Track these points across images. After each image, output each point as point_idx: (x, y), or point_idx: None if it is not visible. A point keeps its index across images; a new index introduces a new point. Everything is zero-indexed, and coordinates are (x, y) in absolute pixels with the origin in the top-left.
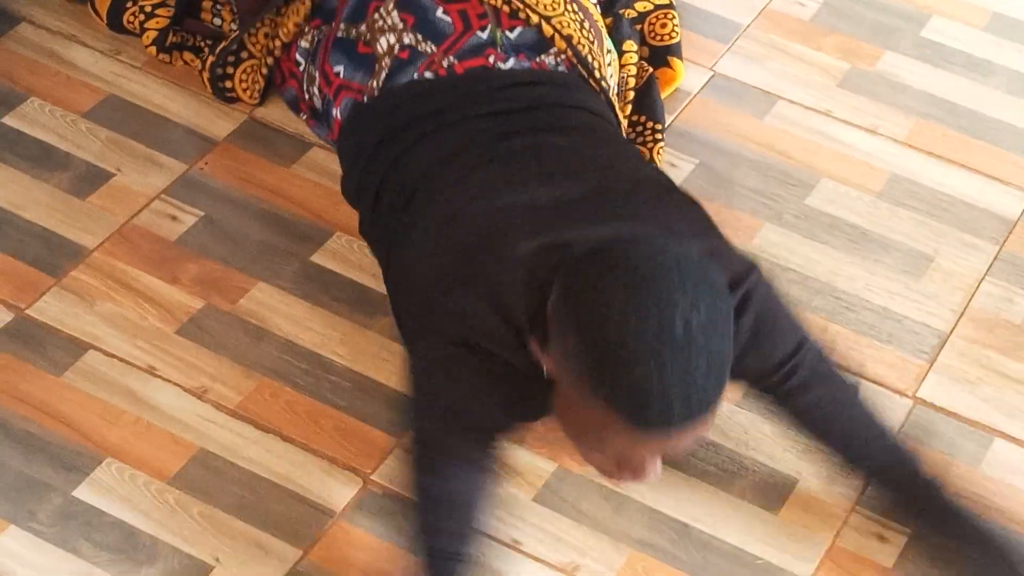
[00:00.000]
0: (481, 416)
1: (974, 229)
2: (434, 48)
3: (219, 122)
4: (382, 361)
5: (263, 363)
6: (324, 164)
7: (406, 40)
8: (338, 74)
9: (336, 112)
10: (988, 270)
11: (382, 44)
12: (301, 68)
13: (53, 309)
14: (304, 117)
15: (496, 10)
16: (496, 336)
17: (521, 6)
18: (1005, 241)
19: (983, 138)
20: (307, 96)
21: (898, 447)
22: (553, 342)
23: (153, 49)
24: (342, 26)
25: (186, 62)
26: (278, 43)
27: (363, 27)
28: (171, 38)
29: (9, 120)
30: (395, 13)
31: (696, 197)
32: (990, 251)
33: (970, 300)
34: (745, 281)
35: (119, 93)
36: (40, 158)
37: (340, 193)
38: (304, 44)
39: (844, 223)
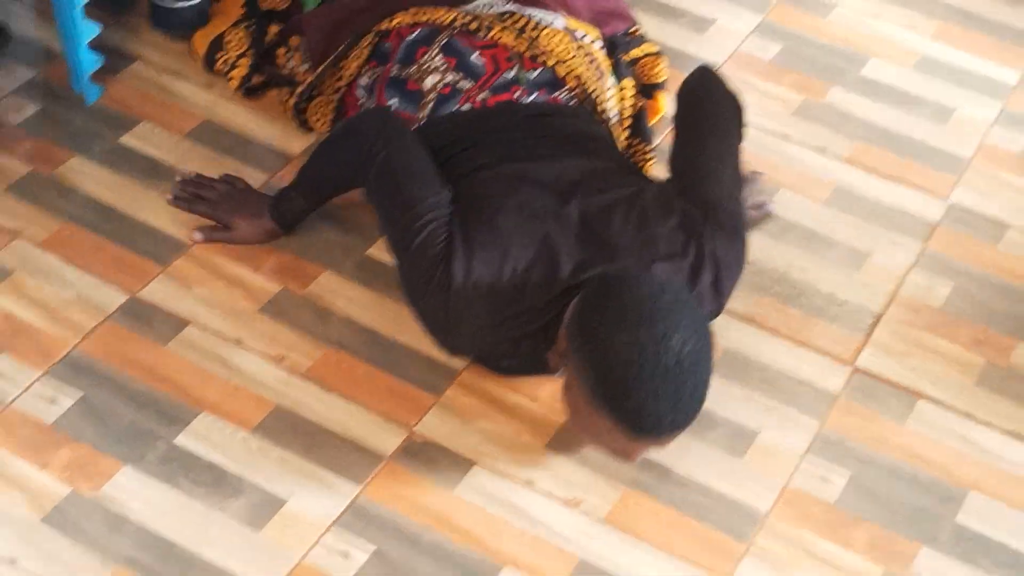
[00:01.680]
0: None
1: (903, 230)
2: (471, 85)
3: (296, 142)
4: (424, 337)
5: (329, 337)
6: None
7: (448, 78)
8: (391, 106)
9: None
10: (915, 264)
11: (428, 82)
12: (361, 101)
13: (159, 294)
14: None
15: (520, 55)
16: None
17: (540, 52)
18: (928, 240)
19: (912, 157)
20: None
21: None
22: (568, 356)
23: (239, 91)
24: (395, 67)
25: (276, 91)
26: (342, 83)
27: (412, 68)
28: (254, 79)
29: (126, 139)
30: (439, 56)
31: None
32: (916, 248)
33: (899, 288)
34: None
35: (213, 119)
36: (151, 173)
37: None
38: (363, 81)
39: (796, 226)
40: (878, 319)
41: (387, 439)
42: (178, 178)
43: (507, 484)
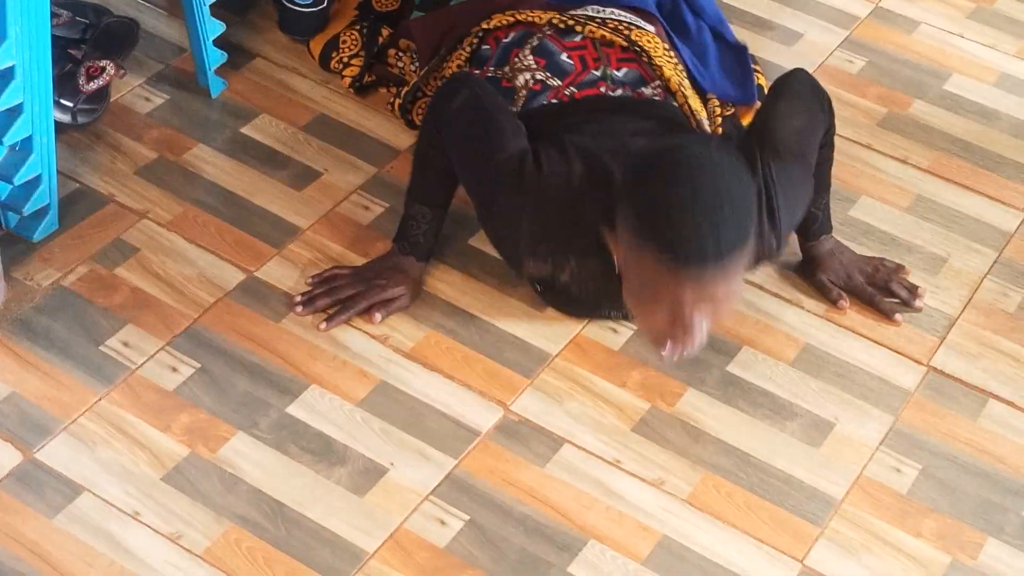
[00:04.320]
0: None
1: (979, 238)
2: (559, 82)
3: (403, 137)
4: (520, 320)
5: (430, 319)
6: None
7: (538, 76)
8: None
9: None
10: (989, 270)
11: (520, 80)
12: None
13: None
14: None
15: (608, 55)
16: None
17: (633, 46)
18: (1004, 248)
19: (989, 169)
20: None
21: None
22: (618, 217)
23: (351, 89)
24: (491, 68)
25: (384, 90)
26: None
27: (506, 68)
28: (366, 78)
29: (246, 130)
30: (531, 57)
31: None
32: (991, 256)
33: (974, 293)
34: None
35: (327, 113)
36: (269, 161)
37: None
38: None
39: (877, 231)
40: (953, 322)
41: (483, 416)
42: (309, 283)
43: (595, 462)
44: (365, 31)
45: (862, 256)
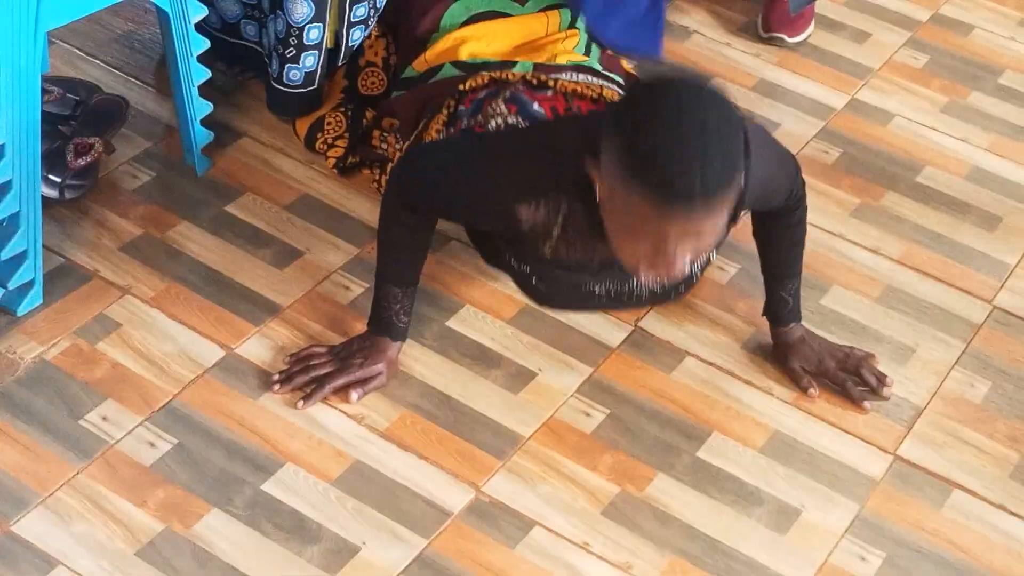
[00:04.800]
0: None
1: (947, 329)
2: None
3: None
4: (494, 402)
5: (406, 400)
6: None
7: (510, 120)
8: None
9: None
10: (956, 361)
11: (491, 124)
12: None
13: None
14: None
15: (579, 107)
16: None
17: (603, 99)
18: (971, 339)
19: (959, 260)
20: None
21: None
22: (603, 150)
23: (335, 170)
24: (464, 121)
25: (368, 171)
26: None
27: (479, 117)
28: (350, 160)
29: (231, 208)
30: (503, 105)
31: None
32: (959, 347)
33: (942, 383)
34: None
35: (311, 193)
36: (252, 240)
37: None
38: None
39: (847, 320)
40: (920, 411)
41: (456, 497)
42: (286, 361)
43: (564, 545)
44: (350, 113)
45: (833, 344)
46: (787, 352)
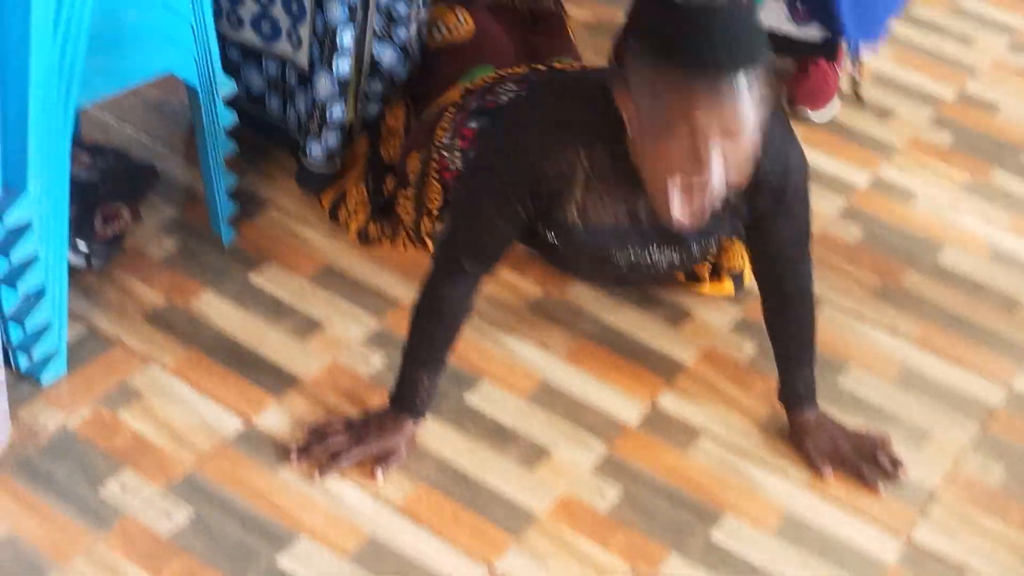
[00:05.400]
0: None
1: (964, 412)
2: None
3: (404, 290)
4: (510, 479)
5: (423, 474)
6: None
7: (521, 92)
8: (471, 127)
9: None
10: (972, 445)
11: (503, 98)
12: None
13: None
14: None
15: None
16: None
17: None
18: (987, 423)
19: (977, 342)
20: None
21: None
22: (629, 61)
23: (356, 239)
24: (475, 102)
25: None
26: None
27: (488, 96)
28: (371, 229)
29: (254, 278)
30: (511, 84)
31: None
32: (975, 430)
33: (956, 467)
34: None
35: (334, 264)
36: (275, 311)
37: None
38: (446, 140)
39: (863, 401)
40: (933, 495)
41: (469, 574)
42: (305, 433)
43: None
44: (370, 184)
45: (848, 427)
46: (802, 435)
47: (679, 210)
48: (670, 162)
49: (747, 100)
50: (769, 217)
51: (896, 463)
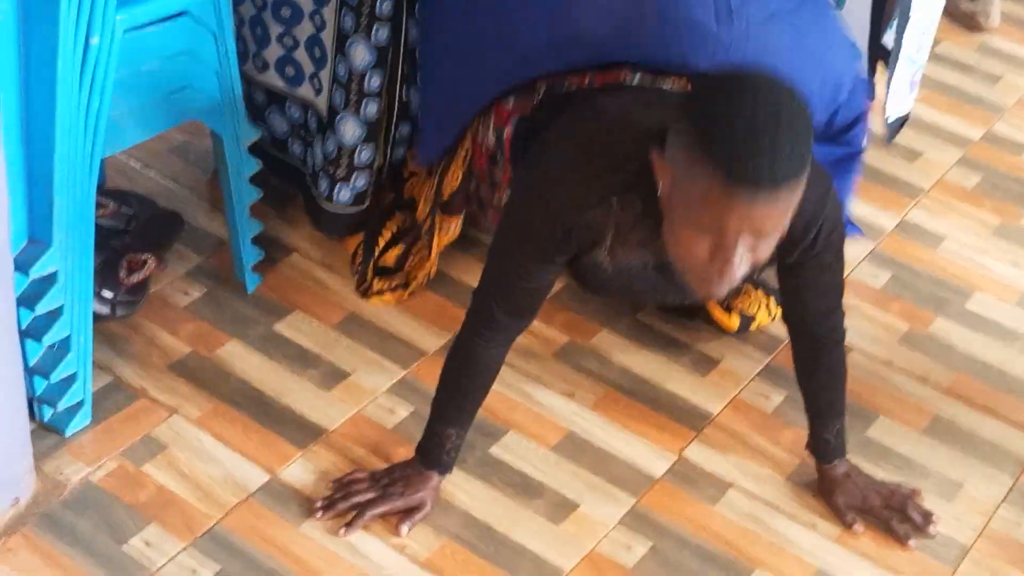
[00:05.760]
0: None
1: (996, 464)
2: (579, 77)
3: (431, 340)
4: (536, 534)
5: (447, 528)
6: None
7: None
8: (506, 105)
9: (506, 131)
10: (1004, 498)
11: (541, 88)
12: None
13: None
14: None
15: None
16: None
17: None
18: (1020, 476)
19: (1008, 391)
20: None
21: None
22: (671, 137)
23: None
24: (510, 104)
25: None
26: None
27: (516, 99)
28: (369, 277)
29: (279, 326)
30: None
31: None
32: (1007, 483)
33: (989, 521)
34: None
35: (359, 312)
36: (299, 360)
37: None
38: (490, 140)
39: (893, 453)
40: (967, 551)
41: None
42: (329, 487)
43: None
44: (364, 236)
45: (878, 480)
46: (832, 488)
47: (702, 286)
48: (695, 249)
49: (784, 208)
50: (801, 266)
51: (927, 516)
